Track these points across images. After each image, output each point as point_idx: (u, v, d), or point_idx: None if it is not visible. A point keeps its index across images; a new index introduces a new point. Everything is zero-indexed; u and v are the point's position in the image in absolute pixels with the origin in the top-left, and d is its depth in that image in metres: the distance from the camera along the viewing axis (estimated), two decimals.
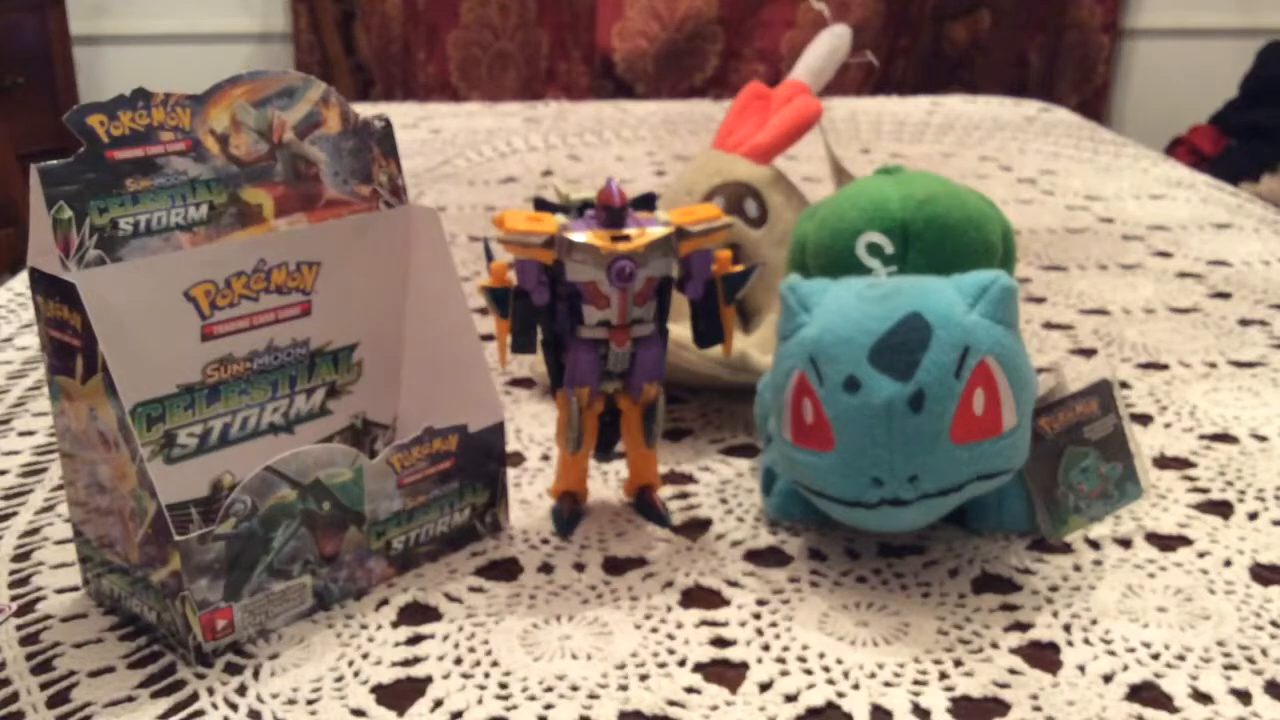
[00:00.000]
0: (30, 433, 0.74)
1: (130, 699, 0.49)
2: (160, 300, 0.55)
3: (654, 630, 0.53)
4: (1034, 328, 0.90)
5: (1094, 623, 0.54)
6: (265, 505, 0.51)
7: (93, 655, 0.52)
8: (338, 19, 2.80)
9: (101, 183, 0.51)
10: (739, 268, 0.59)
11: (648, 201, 0.59)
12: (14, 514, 0.64)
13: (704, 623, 0.54)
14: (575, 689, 0.49)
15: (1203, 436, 0.72)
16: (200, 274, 0.56)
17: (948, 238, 0.62)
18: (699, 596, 0.56)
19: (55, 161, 0.50)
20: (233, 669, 0.51)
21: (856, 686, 0.50)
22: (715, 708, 0.48)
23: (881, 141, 1.55)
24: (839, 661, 0.51)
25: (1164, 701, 0.49)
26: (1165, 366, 0.83)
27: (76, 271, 0.51)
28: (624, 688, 0.50)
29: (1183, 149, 2.51)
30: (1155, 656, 0.51)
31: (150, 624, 0.53)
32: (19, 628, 0.54)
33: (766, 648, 0.52)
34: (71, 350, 0.50)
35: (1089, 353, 0.85)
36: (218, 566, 0.50)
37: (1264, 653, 0.52)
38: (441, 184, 1.34)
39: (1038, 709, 0.48)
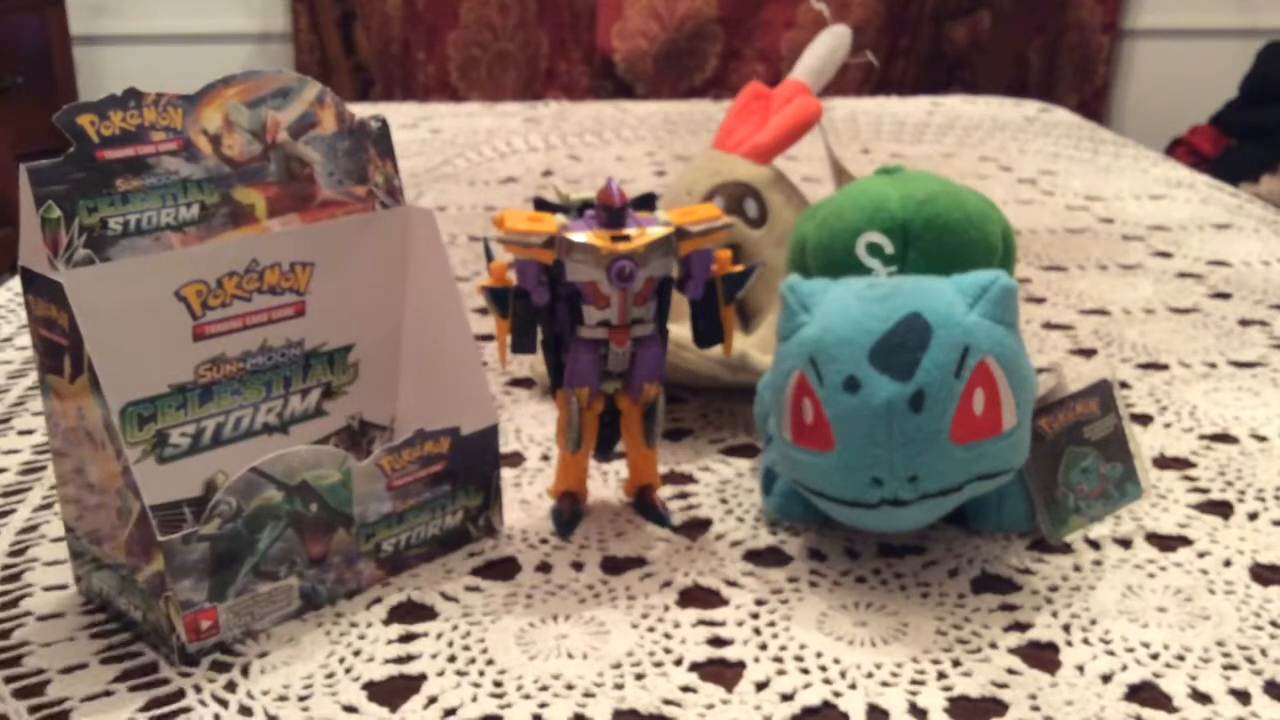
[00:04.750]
0: (29, 431, 0.74)
1: (114, 694, 0.49)
2: (150, 300, 0.54)
3: (651, 630, 0.53)
4: (1034, 328, 0.90)
5: (1093, 623, 0.53)
6: (250, 506, 0.51)
7: (79, 650, 0.52)
8: (338, 19, 2.80)
9: (91, 182, 0.51)
10: (739, 268, 0.59)
11: (648, 201, 0.58)
12: (12, 511, 0.64)
13: (701, 622, 0.54)
14: (571, 688, 0.49)
15: (1203, 436, 0.72)
16: (191, 274, 0.55)
17: (948, 238, 0.62)
18: (697, 596, 0.56)
19: (44, 161, 0.50)
20: (221, 666, 0.51)
21: (853, 686, 0.49)
22: (711, 706, 0.48)
23: (881, 141, 1.55)
24: (836, 661, 0.51)
25: (1163, 701, 0.48)
26: (1165, 366, 0.82)
27: (64, 271, 0.51)
28: (620, 686, 0.49)
29: (1183, 149, 2.51)
30: (1155, 656, 0.51)
31: (136, 622, 0.53)
32: (5, 622, 0.54)
33: (764, 647, 0.52)
34: (60, 349, 0.50)
35: (1089, 353, 0.85)
36: (202, 567, 0.50)
37: (1263, 653, 0.51)
38: (441, 184, 1.34)
39: (1036, 709, 0.48)
